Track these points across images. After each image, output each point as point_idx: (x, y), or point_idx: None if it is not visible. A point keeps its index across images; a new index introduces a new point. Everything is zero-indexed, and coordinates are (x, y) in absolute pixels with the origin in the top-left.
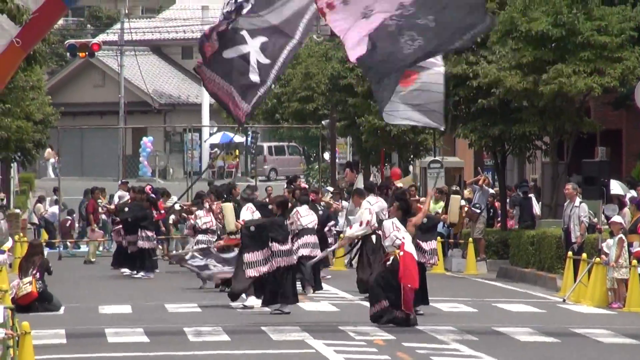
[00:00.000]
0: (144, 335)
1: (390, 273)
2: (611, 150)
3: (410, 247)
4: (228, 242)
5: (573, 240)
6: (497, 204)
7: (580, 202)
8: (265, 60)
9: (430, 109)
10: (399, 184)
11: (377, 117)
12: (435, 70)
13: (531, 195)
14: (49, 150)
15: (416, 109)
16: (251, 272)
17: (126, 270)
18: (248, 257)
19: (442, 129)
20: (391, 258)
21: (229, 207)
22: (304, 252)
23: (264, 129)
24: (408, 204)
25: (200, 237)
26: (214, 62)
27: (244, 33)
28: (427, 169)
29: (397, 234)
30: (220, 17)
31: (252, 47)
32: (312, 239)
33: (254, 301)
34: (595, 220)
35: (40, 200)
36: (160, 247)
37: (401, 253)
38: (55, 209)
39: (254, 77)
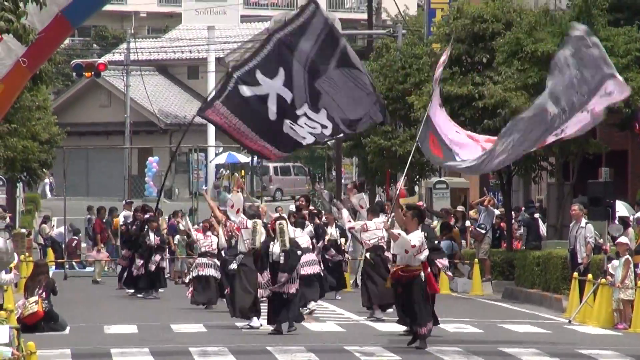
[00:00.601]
0: (150, 355)
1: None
2: (617, 171)
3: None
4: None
5: (579, 261)
6: (503, 224)
7: (586, 223)
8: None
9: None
10: (404, 203)
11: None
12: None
13: (536, 215)
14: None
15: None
16: (264, 292)
17: (131, 290)
18: (263, 277)
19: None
20: (423, 275)
21: (259, 223)
22: (308, 270)
23: None
24: (422, 211)
25: (199, 260)
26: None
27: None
28: (432, 190)
29: (426, 252)
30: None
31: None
32: (312, 256)
33: (259, 321)
34: (601, 241)
35: (45, 220)
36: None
37: (428, 270)
38: (62, 228)
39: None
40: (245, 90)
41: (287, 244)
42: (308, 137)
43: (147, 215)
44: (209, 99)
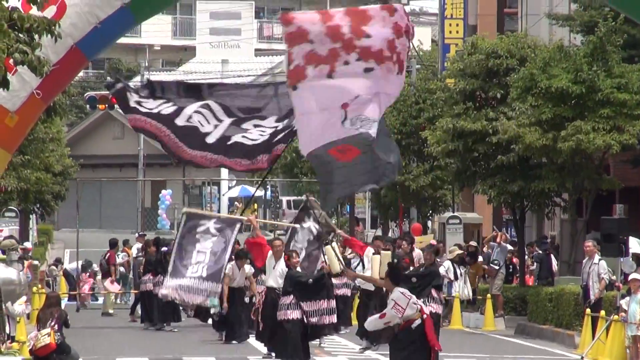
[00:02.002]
0: None
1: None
2: (630, 207)
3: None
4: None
5: (591, 297)
6: (515, 260)
7: (600, 259)
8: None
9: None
10: (419, 241)
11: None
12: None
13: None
14: None
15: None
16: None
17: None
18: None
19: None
20: (416, 322)
21: (330, 249)
22: None
23: (282, 183)
24: (397, 271)
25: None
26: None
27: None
28: (445, 225)
29: (414, 299)
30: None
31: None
32: None
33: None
34: (614, 277)
35: (56, 263)
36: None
37: (424, 316)
38: (75, 262)
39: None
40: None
41: (335, 268)
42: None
43: (164, 249)
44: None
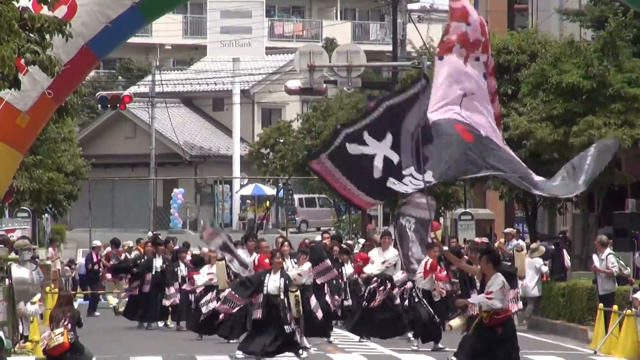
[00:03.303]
0: None
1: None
2: None
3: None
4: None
5: (600, 293)
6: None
7: (608, 254)
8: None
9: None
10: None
11: None
12: None
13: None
14: None
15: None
16: None
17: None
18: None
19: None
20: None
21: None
22: None
23: (294, 181)
24: (497, 254)
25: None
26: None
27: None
28: (457, 221)
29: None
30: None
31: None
32: None
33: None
34: (627, 271)
35: (70, 264)
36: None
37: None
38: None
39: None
40: (353, 148)
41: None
42: (410, 190)
43: (176, 247)
44: (314, 151)
